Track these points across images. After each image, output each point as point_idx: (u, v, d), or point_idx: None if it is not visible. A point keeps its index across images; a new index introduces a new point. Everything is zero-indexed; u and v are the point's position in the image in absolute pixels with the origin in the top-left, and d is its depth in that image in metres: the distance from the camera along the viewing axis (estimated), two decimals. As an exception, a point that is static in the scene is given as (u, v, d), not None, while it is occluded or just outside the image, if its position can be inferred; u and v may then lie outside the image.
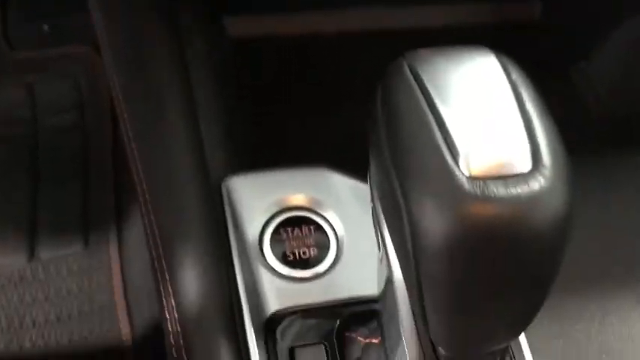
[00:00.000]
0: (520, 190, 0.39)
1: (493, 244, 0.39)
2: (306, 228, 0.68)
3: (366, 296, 0.65)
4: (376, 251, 0.54)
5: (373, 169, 0.47)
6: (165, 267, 0.65)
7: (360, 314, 0.63)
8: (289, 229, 0.68)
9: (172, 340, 0.64)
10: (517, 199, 0.39)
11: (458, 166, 0.39)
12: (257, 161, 0.72)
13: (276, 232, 0.68)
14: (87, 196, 1.23)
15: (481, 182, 0.39)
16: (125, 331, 1.18)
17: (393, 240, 0.45)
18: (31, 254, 1.18)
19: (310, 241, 0.67)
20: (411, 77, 0.43)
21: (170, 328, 0.64)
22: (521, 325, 0.45)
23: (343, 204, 0.68)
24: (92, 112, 1.26)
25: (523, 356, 0.66)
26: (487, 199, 0.39)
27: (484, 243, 0.39)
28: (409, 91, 0.42)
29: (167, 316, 0.65)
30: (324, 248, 0.67)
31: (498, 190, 0.39)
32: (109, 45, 0.76)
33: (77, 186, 1.23)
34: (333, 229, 0.68)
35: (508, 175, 0.39)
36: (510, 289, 0.42)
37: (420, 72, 0.43)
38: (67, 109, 1.26)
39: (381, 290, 0.52)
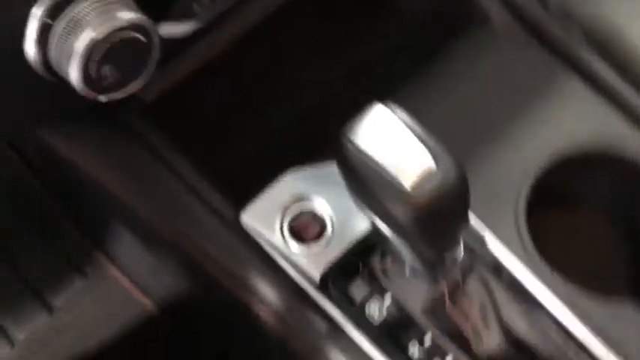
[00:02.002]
0: (435, 182, 0.78)
1: (431, 212, 0.78)
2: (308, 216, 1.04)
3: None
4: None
5: (345, 180, 0.84)
6: None
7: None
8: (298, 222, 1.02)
9: None
10: (436, 188, 0.78)
11: (403, 185, 0.77)
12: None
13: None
14: None
15: (417, 188, 0.78)
16: None
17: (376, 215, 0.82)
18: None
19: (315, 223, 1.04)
20: (352, 145, 0.78)
21: None
22: (455, 238, 0.87)
23: (325, 189, 1.02)
24: None
25: None
26: (422, 194, 0.77)
27: (427, 213, 0.78)
28: (356, 153, 0.78)
29: None
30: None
31: (425, 187, 0.78)
32: None
33: None
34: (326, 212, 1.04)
35: (427, 178, 0.78)
36: (445, 227, 0.83)
37: (357, 140, 0.78)
38: None
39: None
